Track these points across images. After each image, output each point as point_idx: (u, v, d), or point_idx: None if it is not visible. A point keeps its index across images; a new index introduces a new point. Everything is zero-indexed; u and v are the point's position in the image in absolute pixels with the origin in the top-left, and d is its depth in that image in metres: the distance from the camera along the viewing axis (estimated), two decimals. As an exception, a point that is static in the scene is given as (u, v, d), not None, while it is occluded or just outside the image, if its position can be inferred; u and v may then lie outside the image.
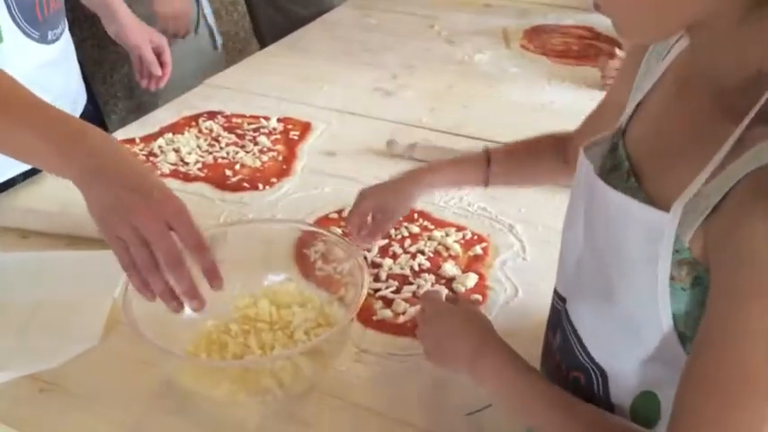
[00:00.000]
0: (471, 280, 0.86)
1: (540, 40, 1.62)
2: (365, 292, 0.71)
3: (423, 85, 1.41)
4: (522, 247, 0.94)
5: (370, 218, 0.88)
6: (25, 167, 1.08)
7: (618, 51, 1.40)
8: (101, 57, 2.09)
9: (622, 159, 0.57)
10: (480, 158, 0.84)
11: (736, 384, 0.45)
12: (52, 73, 1.09)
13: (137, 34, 1.29)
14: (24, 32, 1.01)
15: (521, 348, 0.64)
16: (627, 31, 0.53)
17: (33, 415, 0.70)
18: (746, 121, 0.47)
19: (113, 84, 2.20)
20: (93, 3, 1.29)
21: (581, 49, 1.56)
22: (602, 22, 1.70)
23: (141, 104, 2.30)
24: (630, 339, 0.54)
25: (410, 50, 1.58)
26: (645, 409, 0.54)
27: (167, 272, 0.63)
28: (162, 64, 1.31)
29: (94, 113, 1.28)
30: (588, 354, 0.58)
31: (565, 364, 0.62)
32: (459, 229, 0.96)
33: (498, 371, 0.61)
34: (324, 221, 0.98)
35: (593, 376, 0.58)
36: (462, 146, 1.17)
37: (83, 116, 1.21)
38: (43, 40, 1.05)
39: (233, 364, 0.71)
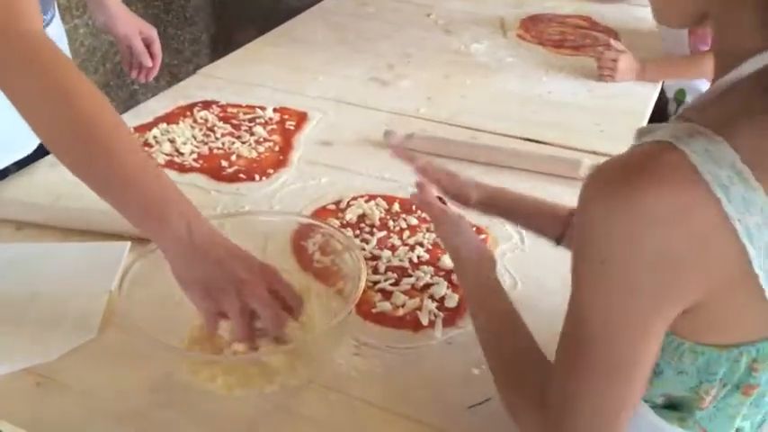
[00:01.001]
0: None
1: (536, 29, 1.61)
2: (362, 284, 0.70)
3: (419, 75, 1.40)
4: (520, 239, 0.93)
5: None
6: (18, 156, 1.07)
7: (614, 43, 1.39)
8: (93, 45, 2.07)
9: None
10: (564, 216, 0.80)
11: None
12: None
13: (126, 24, 1.26)
14: None
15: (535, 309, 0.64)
16: (657, 13, 0.54)
17: (30, 409, 0.69)
18: (680, 110, 0.48)
19: (106, 73, 2.18)
20: None
21: (577, 39, 1.55)
22: (599, 11, 1.69)
23: (133, 93, 2.28)
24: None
25: (406, 39, 1.57)
26: None
27: (271, 329, 0.66)
28: (152, 55, 1.28)
29: None
30: None
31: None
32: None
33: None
34: (321, 213, 0.98)
35: None
36: (459, 136, 1.17)
37: None
38: None
39: (227, 358, 0.70)
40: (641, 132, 0.49)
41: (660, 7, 0.54)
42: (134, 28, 1.26)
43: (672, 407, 0.55)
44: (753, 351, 0.49)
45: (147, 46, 1.28)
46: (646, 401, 0.55)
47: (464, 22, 1.66)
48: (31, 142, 1.08)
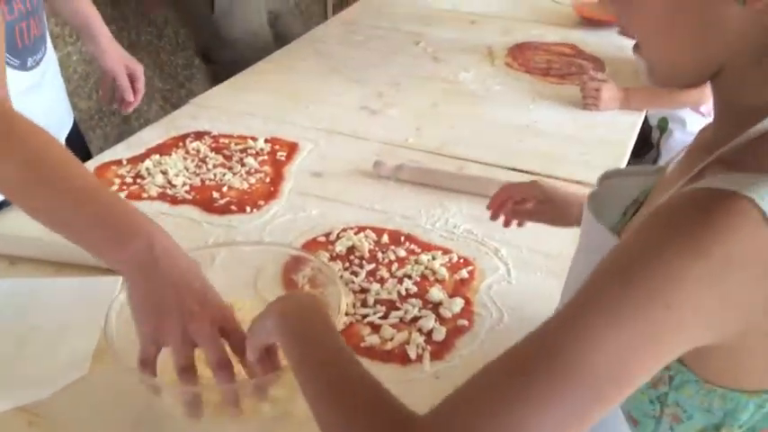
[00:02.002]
0: (457, 305, 0.88)
1: (523, 57, 1.64)
2: (342, 318, 0.72)
3: (408, 104, 1.42)
4: (507, 271, 0.95)
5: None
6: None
7: (593, 72, 1.43)
8: (86, 71, 2.09)
9: None
10: None
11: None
12: (35, 98, 1.10)
13: (113, 59, 1.31)
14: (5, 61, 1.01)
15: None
16: (662, 76, 0.54)
17: (23, 448, 0.70)
18: (711, 158, 0.49)
19: (99, 99, 2.20)
20: (76, 22, 1.30)
21: (563, 67, 1.58)
22: (584, 40, 1.73)
23: (126, 119, 2.30)
24: None
25: (396, 68, 1.59)
26: None
27: (216, 373, 0.62)
28: (135, 90, 1.34)
29: (76, 136, 1.28)
30: None
31: None
32: (446, 252, 0.98)
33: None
34: (312, 245, 0.99)
35: None
36: (448, 166, 1.19)
37: (67, 140, 1.21)
38: (23, 67, 1.06)
39: (201, 388, 0.69)
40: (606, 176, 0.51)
41: (667, 68, 0.53)
42: (121, 63, 1.32)
43: None
44: None
45: (132, 81, 1.32)
46: None
47: (452, 50, 1.69)
48: None
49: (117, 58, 1.31)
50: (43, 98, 1.14)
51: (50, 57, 1.14)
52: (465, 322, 0.86)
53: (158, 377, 0.66)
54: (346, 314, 0.86)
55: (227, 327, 0.65)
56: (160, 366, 0.71)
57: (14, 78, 1.03)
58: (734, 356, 0.49)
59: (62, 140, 1.20)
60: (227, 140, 1.26)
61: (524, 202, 0.90)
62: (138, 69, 1.34)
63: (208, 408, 0.69)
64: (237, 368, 0.65)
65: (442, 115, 1.39)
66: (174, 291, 0.63)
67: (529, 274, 0.94)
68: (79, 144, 1.28)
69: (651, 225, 0.47)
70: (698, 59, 0.51)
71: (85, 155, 1.28)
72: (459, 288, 0.91)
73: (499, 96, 1.47)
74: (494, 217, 0.93)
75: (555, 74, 1.56)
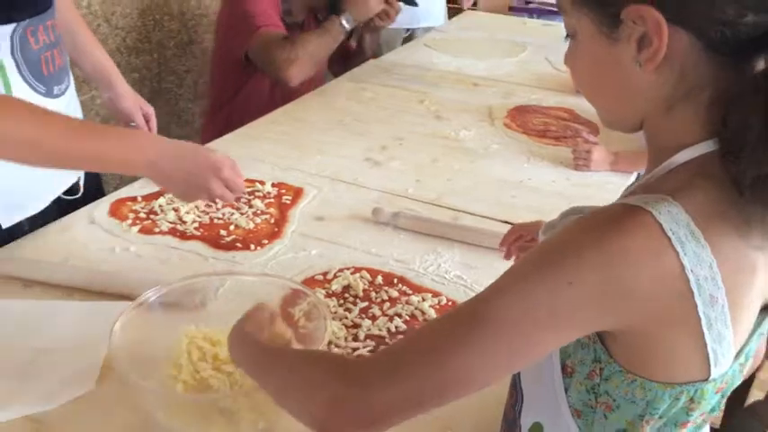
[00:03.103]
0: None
1: (522, 119, 1.73)
2: (324, 342, 0.79)
3: (410, 157, 1.50)
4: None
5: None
6: (31, 213, 1.16)
7: (586, 135, 1.51)
8: (108, 116, 2.19)
9: None
10: None
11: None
12: None
13: (129, 101, 1.41)
14: (31, 87, 1.09)
15: (490, 401, 0.75)
16: (606, 122, 0.64)
17: (28, 453, 0.75)
18: (633, 187, 0.59)
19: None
20: (94, 72, 1.39)
21: (559, 130, 1.67)
22: (581, 105, 1.81)
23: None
24: (539, 375, 0.64)
25: (400, 123, 1.68)
26: None
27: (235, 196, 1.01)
28: (150, 130, 1.44)
29: (93, 178, 1.35)
30: (520, 377, 0.68)
31: (512, 383, 0.71)
32: (435, 294, 1.03)
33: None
34: (309, 282, 1.05)
35: (518, 396, 0.68)
36: (443, 217, 1.25)
37: (86, 183, 1.29)
38: (49, 94, 1.13)
39: (184, 397, 0.77)
40: (566, 214, 0.59)
41: (608, 118, 0.63)
42: (136, 105, 1.42)
43: None
44: (691, 391, 0.56)
45: (146, 122, 1.44)
46: None
47: (455, 109, 1.78)
48: (44, 198, 1.18)
49: (132, 100, 1.42)
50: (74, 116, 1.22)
51: (72, 89, 1.23)
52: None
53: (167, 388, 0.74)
54: (337, 347, 0.92)
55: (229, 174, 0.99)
56: (166, 376, 0.77)
57: (41, 105, 1.10)
58: (645, 346, 0.56)
59: (81, 173, 1.28)
60: (236, 183, 1.33)
61: (533, 240, 0.97)
62: (151, 111, 1.45)
63: (210, 425, 0.75)
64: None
65: (442, 169, 1.46)
66: (190, 170, 0.95)
67: None
68: (95, 180, 1.36)
69: (573, 225, 0.56)
70: (625, 111, 0.61)
71: (99, 190, 1.36)
72: (445, 328, 0.97)
73: (496, 154, 1.55)
74: (507, 256, 1.01)
75: (551, 136, 1.64)
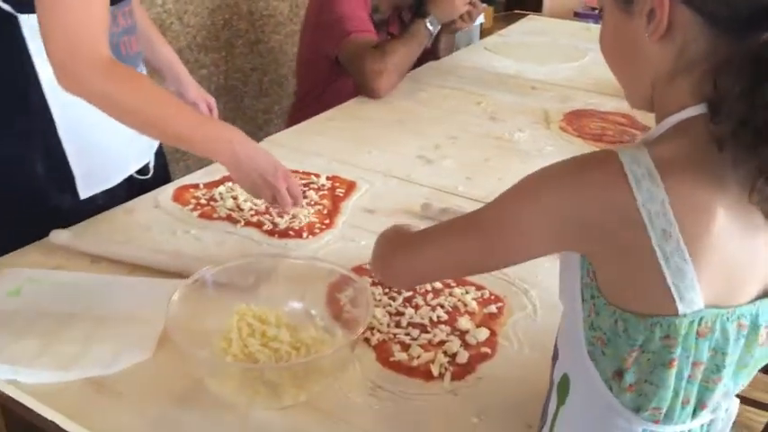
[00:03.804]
0: (483, 334, 0.95)
1: (578, 123, 1.73)
2: (361, 330, 0.83)
3: (462, 156, 1.53)
4: (534, 310, 1.02)
5: None
6: (106, 187, 1.25)
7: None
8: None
9: None
10: None
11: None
12: None
13: (195, 94, 1.50)
14: None
15: (527, 394, 0.81)
16: (629, 99, 0.70)
17: (89, 411, 0.81)
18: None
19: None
20: (160, 64, 1.47)
21: (616, 135, 1.66)
22: (639, 111, 1.80)
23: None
24: (565, 325, 0.70)
25: (455, 123, 1.71)
26: (562, 386, 0.70)
27: (295, 203, 1.14)
28: None
29: (161, 155, 1.44)
30: (557, 336, 0.74)
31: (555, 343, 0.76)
32: (479, 288, 1.06)
33: None
34: (357, 270, 1.08)
35: (556, 353, 0.73)
36: (492, 214, 1.27)
37: (156, 155, 1.37)
38: None
39: (234, 365, 0.82)
40: None
41: (630, 94, 0.70)
42: (200, 97, 1.51)
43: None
44: (664, 324, 0.60)
45: (209, 112, 1.52)
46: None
47: (511, 111, 1.79)
48: (119, 175, 1.28)
49: (196, 92, 1.50)
50: None
51: (145, 75, 1.31)
52: (488, 350, 0.93)
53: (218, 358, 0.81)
54: (380, 332, 0.95)
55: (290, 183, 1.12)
56: (217, 348, 0.83)
57: None
58: (617, 278, 0.62)
59: (153, 155, 1.37)
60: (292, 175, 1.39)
61: None
62: (213, 101, 1.53)
63: (255, 393, 0.79)
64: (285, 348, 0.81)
65: (493, 169, 1.48)
66: (260, 175, 1.09)
67: (553, 315, 0.99)
68: (163, 164, 1.44)
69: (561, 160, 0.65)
70: (640, 84, 0.67)
71: (166, 175, 1.45)
72: (486, 321, 0.99)
73: (550, 156, 1.55)
74: None
75: (607, 140, 1.64)
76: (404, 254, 0.77)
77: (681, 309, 0.60)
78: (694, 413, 0.67)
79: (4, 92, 1.15)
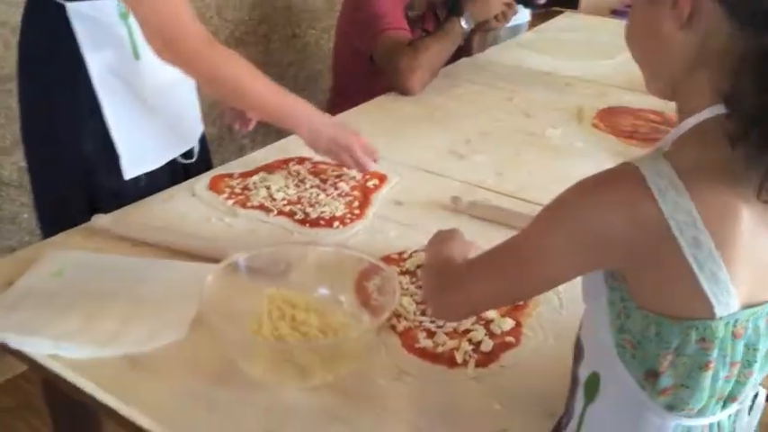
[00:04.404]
0: (508, 324, 0.96)
1: (611, 119, 1.72)
2: (386, 315, 0.85)
3: (493, 151, 1.54)
4: (560, 303, 1.03)
5: None
6: (150, 168, 1.31)
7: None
8: (214, 101, 2.34)
9: None
10: None
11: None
12: (180, 91, 1.32)
13: None
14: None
15: (550, 384, 0.83)
16: (649, 87, 0.72)
17: (124, 385, 0.85)
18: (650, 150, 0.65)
19: (221, 127, 2.45)
20: None
21: (648, 132, 1.65)
22: (672, 107, 1.78)
23: (242, 148, 2.54)
24: (591, 325, 0.71)
25: (487, 119, 1.72)
26: (591, 384, 0.71)
27: (369, 163, 1.32)
28: None
29: (204, 141, 1.48)
30: (580, 336, 0.75)
31: (576, 343, 0.78)
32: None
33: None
34: (385, 260, 1.11)
35: (579, 353, 0.74)
36: (521, 209, 1.28)
37: (200, 141, 1.42)
38: None
39: (261, 343, 0.85)
40: None
41: (651, 82, 0.71)
42: None
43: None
44: (700, 328, 0.61)
45: None
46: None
47: (544, 108, 1.79)
48: (164, 157, 1.34)
49: None
50: (187, 93, 1.37)
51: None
52: (512, 339, 0.94)
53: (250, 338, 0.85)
54: (406, 319, 0.97)
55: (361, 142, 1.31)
56: (248, 330, 0.86)
57: (166, 69, 1.18)
58: (650, 285, 0.62)
59: (197, 139, 1.42)
60: (324, 167, 1.42)
61: None
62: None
63: (284, 374, 0.82)
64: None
65: (524, 163, 1.49)
66: (334, 140, 1.28)
67: (579, 308, 0.98)
68: (206, 150, 1.49)
69: (578, 181, 0.66)
70: (662, 72, 0.68)
71: (209, 162, 1.50)
72: (512, 311, 1.00)
73: (581, 152, 1.56)
74: None
75: (639, 137, 1.63)
76: (452, 293, 0.79)
77: (718, 313, 0.61)
78: (724, 405, 0.68)
79: (53, 78, 1.21)
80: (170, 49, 1.13)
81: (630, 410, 0.68)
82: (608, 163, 0.65)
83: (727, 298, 0.61)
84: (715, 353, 0.63)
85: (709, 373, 0.64)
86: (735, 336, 0.63)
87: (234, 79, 1.18)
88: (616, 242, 0.62)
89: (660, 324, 0.62)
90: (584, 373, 0.73)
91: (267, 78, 1.23)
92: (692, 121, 0.63)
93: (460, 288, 0.77)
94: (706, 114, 0.62)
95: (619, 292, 0.65)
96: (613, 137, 1.64)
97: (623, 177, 0.62)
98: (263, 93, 1.22)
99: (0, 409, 1.92)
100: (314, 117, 1.26)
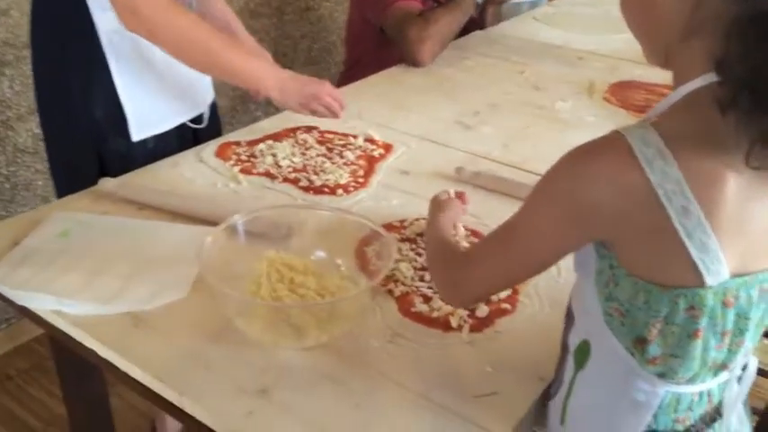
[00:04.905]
0: (504, 291, 0.97)
1: (623, 94, 1.71)
2: (381, 276, 0.86)
3: (501, 123, 1.53)
4: (558, 271, 1.03)
5: None
6: (158, 131, 1.33)
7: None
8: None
9: None
10: None
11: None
12: None
13: (250, 45, 1.51)
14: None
15: (543, 350, 0.84)
16: (645, 53, 0.71)
17: (126, 342, 0.87)
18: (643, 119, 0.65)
19: (234, 98, 2.46)
20: (220, 23, 1.50)
21: (659, 106, 1.63)
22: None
23: (256, 119, 2.55)
24: (581, 293, 0.71)
25: (497, 92, 1.71)
26: (581, 351, 0.72)
27: (338, 107, 1.34)
28: None
29: (214, 108, 1.49)
30: (570, 301, 0.76)
31: (566, 311, 0.78)
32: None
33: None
34: (387, 228, 1.10)
35: (569, 318, 0.75)
36: (524, 179, 1.28)
37: (209, 117, 1.44)
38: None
39: (259, 303, 0.87)
40: None
41: (645, 49, 0.70)
42: (227, 11, 1.51)
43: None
44: (688, 296, 0.62)
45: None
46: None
47: (554, 81, 1.78)
48: (172, 120, 1.35)
49: (250, 44, 1.52)
50: None
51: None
52: (508, 306, 0.95)
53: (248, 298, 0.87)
54: (404, 284, 0.98)
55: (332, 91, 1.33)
56: (247, 291, 0.87)
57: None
58: (638, 253, 0.62)
59: (207, 105, 1.44)
60: (331, 136, 1.42)
61: None
62: (235, 18, 1.54)
63: (280, 334, 0.84)
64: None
65: (531, 136, 1.48)
66: (304, 90, 1.30)
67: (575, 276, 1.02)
68: (216, 116, 1.51)
69: (565, 154, 0.67)
70: (655, 39, 0.67)
71: (218, 129, 1.52)
72: (509, 279, 1.01)
73: (590, 126, 1.54)
74: None
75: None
76: (458, 284, 0.78)
77: (708, 282, 0.61)
78: (715, 374, 0.68)
79: (65, 42, 1.23)
80: (135, 18, 1.13)
81: (620, 377, 0.69)
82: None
83: (717, 266, 0.61)
84: (704, 321, 0.63)
85: (699, 342, 0.64)
86: (725, 305, 0.63)
87: (203, 44, 1.18)
88: (604, 212, 0.62)
89: (649, 292, 0.63)
90: (573, 341, 0.74)
91: (230, 38, 1.26)
92: (682, 90, 0.62)
93: (465, 278, 0.77)
94: (698, 83, 0.61)
95: (608, 260, 0.66)
96: (624, 111, 1.62)
97: (609, 147, 0.61)
98: (227, 52, 1.21)
99: (15, 370, 1.97)
100: (281, 75, 1.28)
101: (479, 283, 0.76)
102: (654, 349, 0.65)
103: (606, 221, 0.63)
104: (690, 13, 0.62)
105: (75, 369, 1.07)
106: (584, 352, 0.72)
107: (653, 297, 0.63)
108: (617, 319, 0.66)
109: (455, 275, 0.78)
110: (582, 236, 0.66)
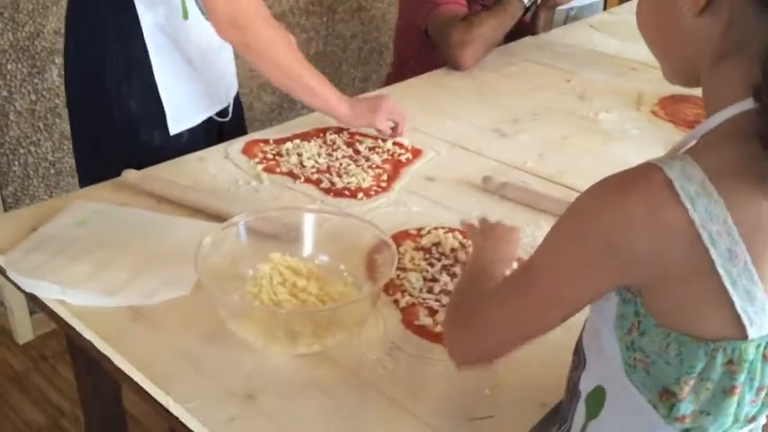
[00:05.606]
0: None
1: (673, 108, 1.62)
2: (381, 283, 0.84)
3: (539, 132, 1.48)
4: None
5: None
6: (192, 124, 1.35)
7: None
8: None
9: None
10: None
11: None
12: (221, 53, 1.36)
13: None
14: (203, 13, 1.25)
15: (546, 375, 0.80)
16: (666, 75, 0.66)
17: (123, 336, 0.86)
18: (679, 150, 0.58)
19: (281, 95, 2.47)
20: None
21: (710, 122, 1.54)
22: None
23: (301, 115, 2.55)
24: (595, 335, 0.64)
25: (539, 99, 1.65)
26: (595, 398, 0.65)
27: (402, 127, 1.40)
28: None
29: (238, 101, 1.50)
30: (581, 342, 0.69)
31: (575, 350, 0.72)
32: (519, 261, 1.02)
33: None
34: (402, 235, 1.08)
35: (580, 360, 0.68)
36: (556, 193, 1.22)
37: (233, 112, 1.44)
38: None
39: (256, 308, 0.85)
40: None
41: (665, 69, 0.66)
42: None
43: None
44: (728, 350, 0.55)
45: None
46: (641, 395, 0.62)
47: (601, 91, 1.71)
48: (203, 114, 1.37)
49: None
50: (227, 56, 1.41)
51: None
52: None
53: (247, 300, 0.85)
54: (410, 295, 0.95)
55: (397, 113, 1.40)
56: (247, 292, 0.85)
57: (211, 31, 1.22)
58: (673, 301, 0.56)
59: (232, 98, 1.46)
60: (360, 138, 1.40)
61: None
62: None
63: (274, 339, 0.82)
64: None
65: (569, 147, 1.42)
66: (371, 112, 1.37)
67: None
68: (239, 110, 1.52)
69: (593, 185, 0.59)
70: (678, 60, 0.63)
71: (242, 122, 1.53)
72: (523, 297, 0.96)
73: (633, 140, 1.47)
74: None
75: (700, 127, 1.53)
76: (462, 330, 0.70)
77: (751, 334, 0.55)
78: (742, 426, 0.62)
79: (110, 37, 1.25)
80: (234, 30, 1.19)
81: (640, 430, 0.63)
82: (662, 152, 0.60)
83: (762, 318, 0.54)
84: (742, 377, 0.57)
85: (734, 399, 0.58)
86: (765, 358, 0.57)
87: (285, 58, 1.25)
88: (638, 255, 0.55)
89: (683, 344, 0.56)
90: (586, 385, 0.67)
91: (309, 63, 1.31)
92: (718, 118, 0.56)
93: (472, 325, 0.68)
94: (736, 109, 0.55)
95: (632, 306, 0.59)
96: (672, 125, 1.54)
97: (645, 180, 0.54)
98: (309, 76, 1.29)
99: (51, 351, 2.02)
100: (350, 100, 1.36)
101: (486, 335, 0.68)
102: (685, 407, 0.58)
103: (639, 265, 0.55)
104: (721, 34, 0.56)
105: (84, 355, 1.08)
106: (598, 400, 0.66)
107: (687, 350, 0.56)
108: (641, 370, 0.60)
109: (462, 321, 0.70)
110: (611, 281, 0.59)
